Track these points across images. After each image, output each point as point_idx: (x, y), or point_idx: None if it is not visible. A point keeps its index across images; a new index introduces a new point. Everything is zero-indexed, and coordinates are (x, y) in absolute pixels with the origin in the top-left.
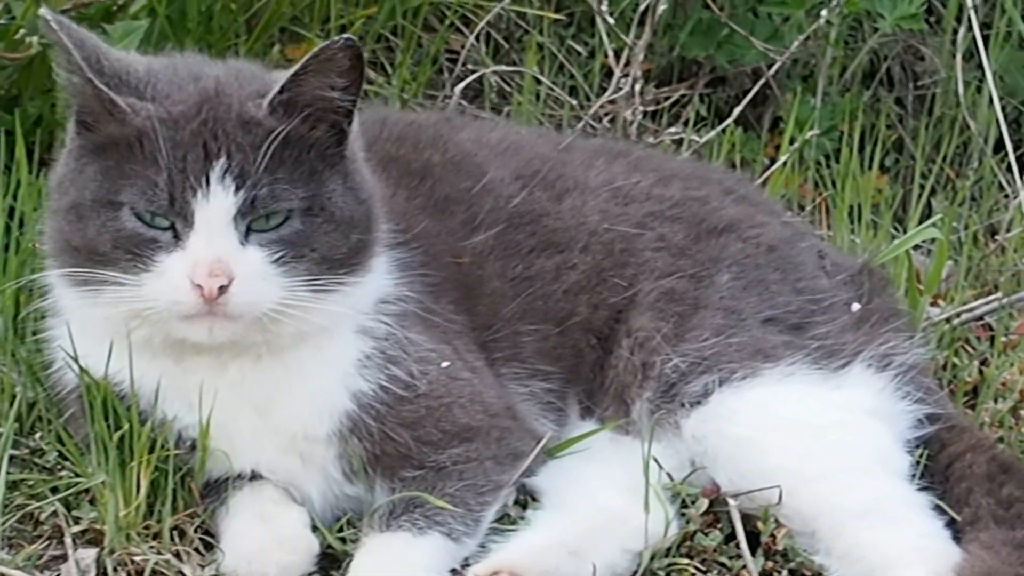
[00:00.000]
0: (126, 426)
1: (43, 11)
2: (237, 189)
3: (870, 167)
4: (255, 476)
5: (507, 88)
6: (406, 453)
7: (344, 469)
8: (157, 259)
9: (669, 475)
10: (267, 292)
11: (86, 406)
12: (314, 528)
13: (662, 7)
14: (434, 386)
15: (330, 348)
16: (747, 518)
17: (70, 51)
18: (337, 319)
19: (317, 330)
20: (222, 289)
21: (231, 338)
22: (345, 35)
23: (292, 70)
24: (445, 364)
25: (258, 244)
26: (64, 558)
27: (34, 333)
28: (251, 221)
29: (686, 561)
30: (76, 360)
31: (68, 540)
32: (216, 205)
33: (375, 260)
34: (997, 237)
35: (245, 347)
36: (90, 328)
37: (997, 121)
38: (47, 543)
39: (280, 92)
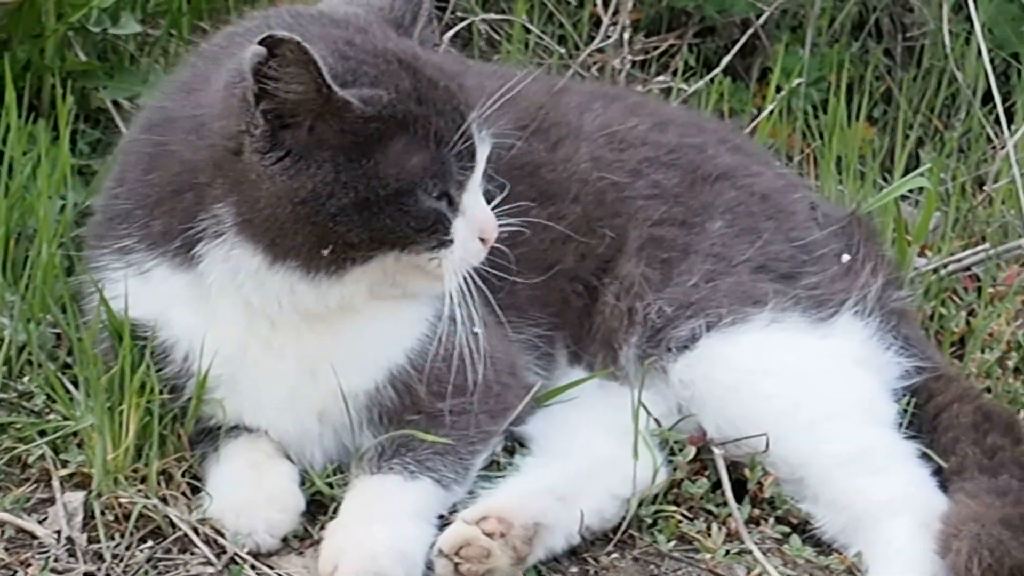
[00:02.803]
0: (142, 368)
1: (293, 36)
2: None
3: (858, 118)
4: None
5: (496, 36)
6: (415, 403)
7: (360, 422)
8: (454, 227)
9: (657, 421)
10: None
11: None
12: (303, 478)
13: None
14: (461, 346)
15: (411, 306)
16: (735, 466)
17: (322, 73)
18: None
19: None
20: None
21: None
22: None
23: None
24: (476, 330)
25: None
26: (52, 501)
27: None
28: None
29: (673, 508)
30: (104, 301)
31: (56, 483)
32: (481, 159)
33: None
34: (985, 188)
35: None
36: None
37: (985, 73)
38: (35, 486)
39: None
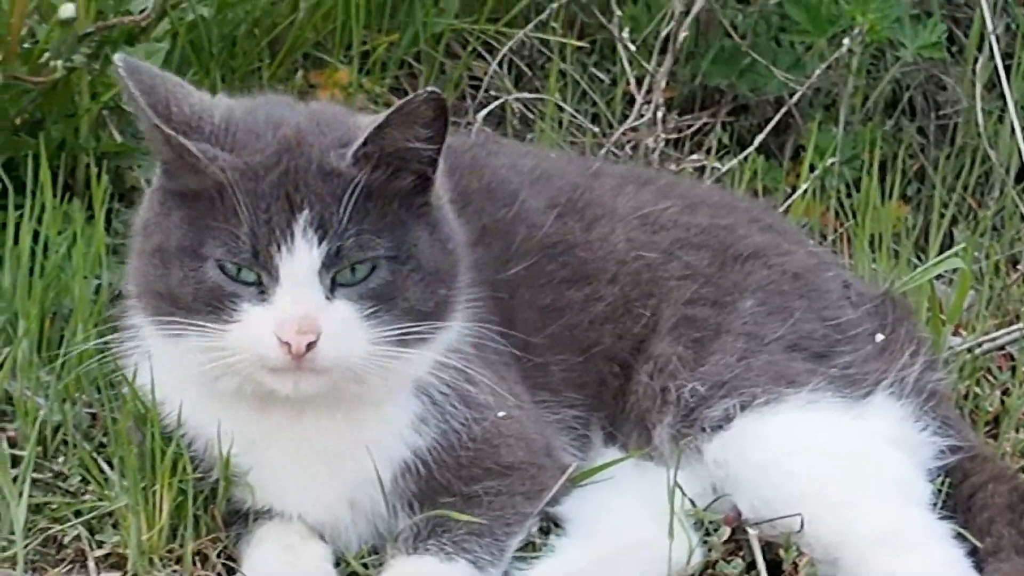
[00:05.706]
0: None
1: (116, 56)
2: (320, 241)
3: (891, 196)
4: None
5: (530, 115)
6: (448, 486)
7: (390, 507)
8: (241, 310)
9: (692, 501)
10: (354, 346)
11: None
12: (337, 558)
13: (684, 34)
14: (487, 431)
15: (387, 407)
16: (769, 546)
17: (135, 97)
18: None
19: (385, 386)
20: (310, 345)
21: (317, 391)
22: (429, 88)
23: (376, 122)
24: (501, 414)
25: (346, 298)
26: None
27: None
28: (336, 274)
29: None
30: (131, 384)
31: (91, 564)
32: (301, 258)
33: (459, 310)
34: (1019, 267)
35: (326, 400)
36: (170, 368)
37: (1019, 151)
38: (70, 567)
39: (364, 144)
